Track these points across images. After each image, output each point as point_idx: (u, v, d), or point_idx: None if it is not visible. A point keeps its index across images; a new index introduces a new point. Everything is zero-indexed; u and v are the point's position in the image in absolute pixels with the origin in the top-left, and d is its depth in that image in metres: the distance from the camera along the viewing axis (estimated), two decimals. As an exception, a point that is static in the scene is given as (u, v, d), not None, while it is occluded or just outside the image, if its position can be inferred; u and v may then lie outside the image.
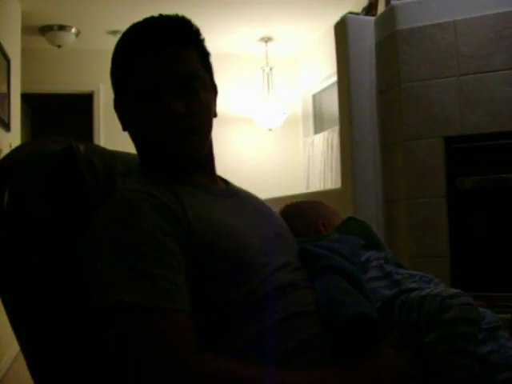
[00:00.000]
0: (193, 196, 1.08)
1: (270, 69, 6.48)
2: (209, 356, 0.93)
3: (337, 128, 5.42)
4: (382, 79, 3.17)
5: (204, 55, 1.17)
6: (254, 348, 0.99)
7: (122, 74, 1.12)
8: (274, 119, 6.37)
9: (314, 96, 6.71)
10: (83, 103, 6.53)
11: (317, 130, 6.65)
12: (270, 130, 6.47)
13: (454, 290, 1.09)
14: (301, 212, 1.47)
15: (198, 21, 1.17)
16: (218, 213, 1.09)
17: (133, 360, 0.90)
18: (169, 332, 0.90)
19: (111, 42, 1.20)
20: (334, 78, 4.57)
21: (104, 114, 6.41)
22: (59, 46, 5.76)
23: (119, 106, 1.17)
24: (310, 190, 6.09)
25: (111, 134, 6.32)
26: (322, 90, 6.42)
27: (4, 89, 3.97)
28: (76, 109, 7.12)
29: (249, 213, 1.19)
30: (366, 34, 3.23)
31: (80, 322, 1.03)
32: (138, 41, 1.10)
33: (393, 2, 3.08)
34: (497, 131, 2.83)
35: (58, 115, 7.80)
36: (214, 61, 1.22)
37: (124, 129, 1.17)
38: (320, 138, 6.25)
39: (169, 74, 1.08)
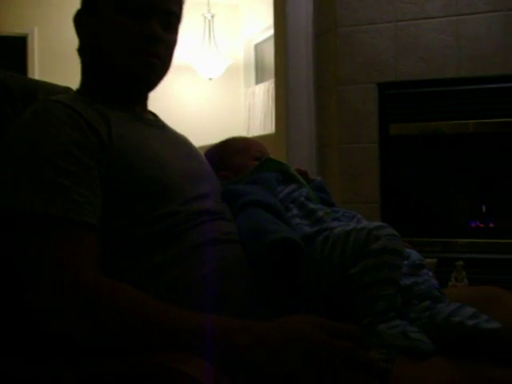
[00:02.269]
0: (123, 119, 1.10)
1: (212, 16, 6.32)
2: (109, 279, 0.90)
3: (277, 78, 5.40)
4: (319, 24, 3.13)
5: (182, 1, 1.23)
6: (167, 274, 0.97)
7: None
8: (214, 68, 6.26)
9: (256, 46, 6.63)
10: (16, 47, 6.26)
11: (258, 81, 6.60)
12: (211, 79, 6.37)
13: (379, 223, 1.10)
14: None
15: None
16: (144, 137, 1.11)
17: (30, 263, 0.90)
18: (68, 242, 0.91)
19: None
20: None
21: (39, 58, 6.18)
22: (-11, -16, 5.50)
23: (86, 17, 1.17)
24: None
25: (46, 79, 6.12)
26: (265, 40, 6.34)
27: None
28: (8, 53, 6.82)
29: (174, 144, 1.21)
30: (305, -22, 3.17)
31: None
32: None
33: None
34: (431, 78, 2.83)
35: (-12, 59, 7.50)
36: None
37: (83, 43, 1.19)
38: (261, 89, 6.21)
39: (162, 3, 1.13)
